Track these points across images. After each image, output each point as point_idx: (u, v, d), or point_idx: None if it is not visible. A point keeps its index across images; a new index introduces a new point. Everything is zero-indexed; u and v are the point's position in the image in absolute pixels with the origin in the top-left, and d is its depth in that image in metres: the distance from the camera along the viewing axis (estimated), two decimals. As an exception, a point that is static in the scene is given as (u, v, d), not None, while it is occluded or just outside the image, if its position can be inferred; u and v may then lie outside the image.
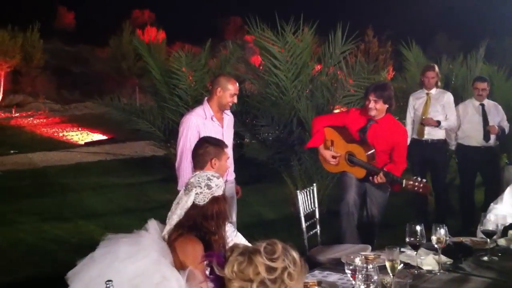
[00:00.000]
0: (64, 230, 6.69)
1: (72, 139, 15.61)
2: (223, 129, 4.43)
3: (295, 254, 1.63)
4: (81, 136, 15.92)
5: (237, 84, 4.47)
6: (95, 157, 12.59)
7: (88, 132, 16.20)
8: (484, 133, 6.36)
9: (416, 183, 4.21)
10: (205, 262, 2.56)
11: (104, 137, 15.71)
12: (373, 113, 4.61)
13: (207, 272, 1.60)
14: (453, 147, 6.76)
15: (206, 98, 4.52)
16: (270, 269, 1.56)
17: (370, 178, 4.49)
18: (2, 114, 20.85)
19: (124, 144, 14.32)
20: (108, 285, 2.20)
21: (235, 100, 4.45)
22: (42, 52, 24.99)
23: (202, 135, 4.16)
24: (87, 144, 14.76)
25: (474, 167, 6.52)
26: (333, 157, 4.72)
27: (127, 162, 12.08)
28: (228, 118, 4.57)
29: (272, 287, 1.56)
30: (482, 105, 6.42)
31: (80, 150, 13.58)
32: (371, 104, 4.58)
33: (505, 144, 7.16)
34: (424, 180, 4.26)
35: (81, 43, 30.69)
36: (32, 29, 24.16)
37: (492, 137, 6.39)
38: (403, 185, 4.30)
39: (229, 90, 4.36)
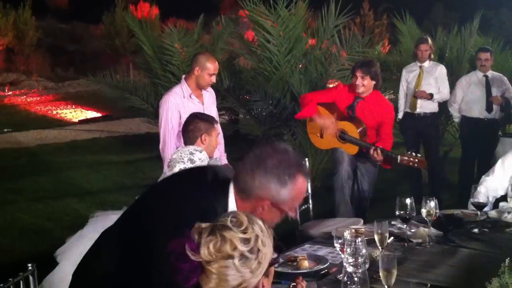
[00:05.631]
0: (60, 208, 6.70)
1: (66, 117, 15.47)
2: (204, 106, 4.34)
3: (259, 221, 1.64)
4: (75, 114, 15.79)
5: (217, 63, 4.32)
6: (89, 135, 12.53)
7: (82, 110, 16.06)
8: (486, 104, 6.26)
9: (411, 158, 4.20)
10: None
11: (99, 115, 15.61)
12: (360, 89, 4.59)
13: (179, 262, 1.55)
14: (457, 120, 6.69)
15: (183, 76, 4.42)
16: (244, 241, 1.57)
17: (371, 152, 4.42)
18: (-4, 93, 20.67)
19: (119, 122, 14.24)
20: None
21: (214, 80, 4.31)
22: (35, 29, 24.65)
23: (182, 115, 4.09)
24: (82, 121, 14.66)
25: (476, 139, 6.38)
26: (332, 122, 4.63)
27: (122, 140, 12.04)
28: (209, 94, 4.45)
29: (251, 257, 1.57)
30: (486, 76, 6.32)
31: (75, 128, 13.51)
32: (358, 81, 4.56)
33: (510, 115, 6.85)
34: (419, 155, 4.25)
35: (74, 20, 30.29)
36: (24, 6, 23.80)
37: (496, 108, 6.28)
38: (398, 161, 4.28)
39: (208, 70, 4.23)
